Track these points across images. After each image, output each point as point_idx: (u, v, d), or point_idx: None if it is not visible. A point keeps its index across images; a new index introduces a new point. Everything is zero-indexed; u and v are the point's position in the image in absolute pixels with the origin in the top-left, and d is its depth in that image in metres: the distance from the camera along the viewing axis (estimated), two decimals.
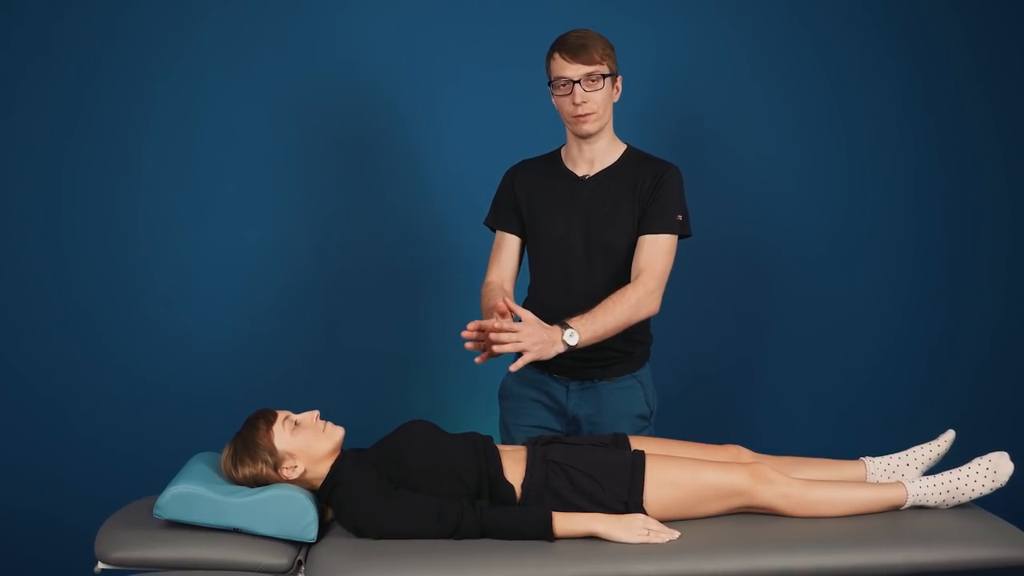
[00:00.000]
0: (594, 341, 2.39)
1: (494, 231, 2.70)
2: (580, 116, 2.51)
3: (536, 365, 2.61)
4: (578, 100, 2.49)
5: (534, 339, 2.30)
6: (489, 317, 2.46)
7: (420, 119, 3.38)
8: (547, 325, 2.34)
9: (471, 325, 2.35)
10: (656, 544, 2.16)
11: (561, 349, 2.34)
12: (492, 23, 3.33)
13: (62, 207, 3.28)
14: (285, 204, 3.37)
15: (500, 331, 2.29)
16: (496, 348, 2.31)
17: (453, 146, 3.38)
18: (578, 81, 2.48)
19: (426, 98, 3.37)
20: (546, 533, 2.17)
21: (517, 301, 2.66)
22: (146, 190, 3.30)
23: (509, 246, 2.67)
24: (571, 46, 2.49)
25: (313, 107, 3.35)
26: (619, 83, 2.57)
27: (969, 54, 3.50)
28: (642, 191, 2.53)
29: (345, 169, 3.38)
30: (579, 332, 2.35)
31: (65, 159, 3.27)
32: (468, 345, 2.36)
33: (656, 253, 2.51)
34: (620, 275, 2.54)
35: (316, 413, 2.33)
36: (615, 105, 2.58)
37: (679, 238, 2.56)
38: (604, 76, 2.49)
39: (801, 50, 3.46)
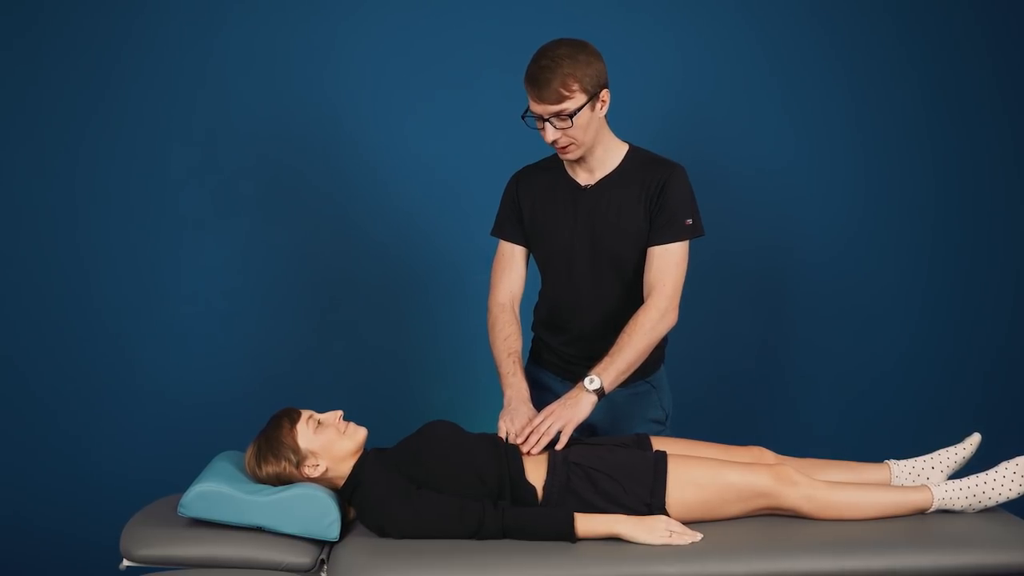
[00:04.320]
0: (624, 377, 2.40)
1: (499, 241, 2.62)
2: (559, 149, 2.42)
3: (553, 371, 2.61)
4: (550, 139, 2.36)
5: (562, 418, 2.32)
6: (500, 352, 2.49)
7: (439, 120, 3.38)
8: (565, 398, 2.36)
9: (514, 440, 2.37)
10: (678, 546, 2.15)
11: (593, 399, 2.35)
12: (511, 23, 3.32)
13: (84, 209, 3.29)
14: (306, 206, 3.38)
15: (531, 447, 2.31)
16: (538, 447, 2.32)
17: (470, 147, 3.38)
18: (548, 119, 2.35)
19: (444, 99, 3.37)
20: (568, 534, 2.17)
21: (526, 304, 2.62)
22: (168, 192, 3.32)
23: (515, 259, 2.59)
24: (535, 79, 2.31)
25: (333, 110, 3.35)
26: (604, 95, 2.37)
27: (987, 60, 3.48)
28: (649, 199, 2.45)
29: (365, 171, 3.38)
30: (601, 378, 2.35)
31: (82, 160, 3.28)
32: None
33: (666, 266, 2.42)
34: (630, 282, 2.49)
35: (340, 413, 2.34)
36: (616, 106, 2.44)
37: (694, 238, 2.47)
38: (578, 109, 2.32)
39: (819, 54, 3.45)
